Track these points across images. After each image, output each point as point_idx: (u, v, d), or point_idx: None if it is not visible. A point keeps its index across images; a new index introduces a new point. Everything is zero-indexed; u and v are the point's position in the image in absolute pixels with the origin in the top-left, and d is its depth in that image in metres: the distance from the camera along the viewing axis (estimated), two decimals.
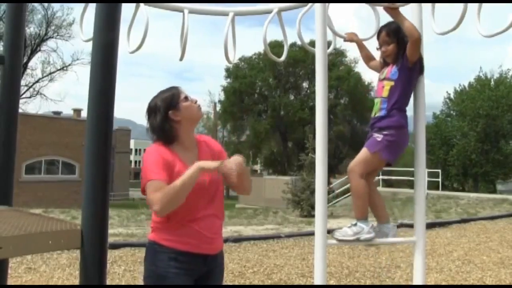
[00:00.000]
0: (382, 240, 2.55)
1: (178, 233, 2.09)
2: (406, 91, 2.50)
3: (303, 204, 12.71)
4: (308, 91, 36.31)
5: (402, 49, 2.48)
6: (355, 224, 2.49)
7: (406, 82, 2.48)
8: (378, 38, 2.62)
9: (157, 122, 2.16)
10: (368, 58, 2.80)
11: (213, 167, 2.01)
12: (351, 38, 2.81)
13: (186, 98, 2.22)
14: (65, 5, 29.28)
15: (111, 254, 6.02)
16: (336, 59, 35.18)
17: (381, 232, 2.53)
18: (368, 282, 5.24)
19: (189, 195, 2.07)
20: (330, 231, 2.42)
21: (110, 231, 6.86)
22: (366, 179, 2.50)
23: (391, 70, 2.52)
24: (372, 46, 2.82)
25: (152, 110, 2.20)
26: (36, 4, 27.41)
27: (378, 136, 2.47)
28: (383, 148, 2.46)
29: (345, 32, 2.86)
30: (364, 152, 2.51)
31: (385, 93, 2.50)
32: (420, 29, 2.51)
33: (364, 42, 2.87)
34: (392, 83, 2.49)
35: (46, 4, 28.05)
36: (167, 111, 2.16)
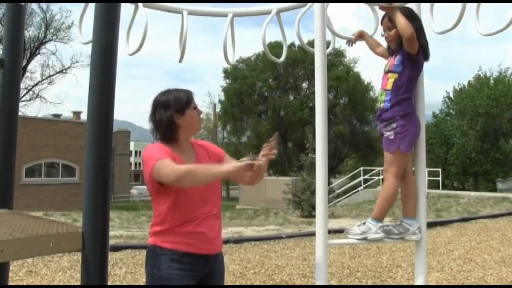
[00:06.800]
0: (377, 237, 2.52)
1: (179, 234, 2.09)
2: (410, 82, 2.50)
3: (304, 204, 12.70)
4: (308, 91, 36.30)
5: None
6: (364, 223, 2.51)
7: (410, 73, 2.48)
8: (381, 23, 2.62)
9: (166, 117, 2.15)
10: (374, 45, 2.79)
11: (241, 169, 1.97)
12: (358, 36, 2.80)
13: (195, 108, 2.24)
14: (64, 7, 29.34)
15: (112, 256, 6.01)
16: (335, 59, 35.17)
17: (402, 227, 2.53)
18: (369, 282, 5.23)
19: (187, 195, 2.09)
20: (330, 231, 2.42)
21: (111, 233, 6.85)
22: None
23: (394, 62, 2.51)
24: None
25: (162, 105, 2.18)
26: (35, 7, 27.46)
27: (390, 135, 2.48)
28: (399, 143, 2.47)
29: (352, 34, 2.84)
30: (387, 155, 2.53)
31: (389, 85, 2.51)
32: None
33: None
34: (396, 75, 2.49)
35: (45, 7, 28.09)
36: (175, 111, 2.16)
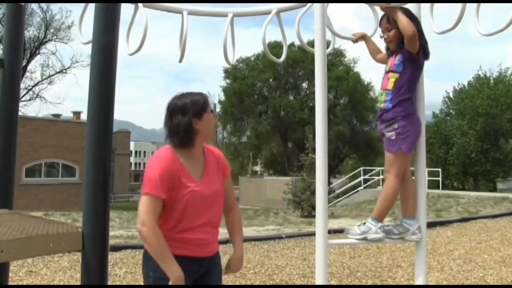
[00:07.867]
0: (377, 237, 2.52)
1: (175, 240, 2.08)
2: (412, 81, 2.51)
3: (304, 204, 12.71)
4: (308, 91, 36.28)
5: (403, 35, 2.47)
6: (364, 223, 2.51)
7: (411, 73, 2.49)
8: (380, 25, 2.62)
9: (184, 122, 2.07)
10: (374, 51, 2.80)
11: None
12: (360, 36, 2.81)
13: (212, 111, 2.18)
14: (64, 7, 29.33)
15: (112, 256, 6.01)
16: (335, 59, 35.15)
17: (402, 227, 2.53)
18: (369, 282, 5.23)
19: (194, 209, 2.08)
20: (330, 231, 2.42)
21: (111, 233, 6.84)
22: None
23: (395, 62, 2.52)
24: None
25: (179, 109, 2.09)
26: (35, 7, 27.45)
27: (392, 135, 2.48)
28: (400, 143, 2.47)
29: (352, 33, 2.85)
30: (388, 155, 2.53)
31: (390, 85, 2.51)
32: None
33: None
34: (397, 75, 2.49)
35: (45, 7, 28.09)
36: (193, 115, 2.09)
